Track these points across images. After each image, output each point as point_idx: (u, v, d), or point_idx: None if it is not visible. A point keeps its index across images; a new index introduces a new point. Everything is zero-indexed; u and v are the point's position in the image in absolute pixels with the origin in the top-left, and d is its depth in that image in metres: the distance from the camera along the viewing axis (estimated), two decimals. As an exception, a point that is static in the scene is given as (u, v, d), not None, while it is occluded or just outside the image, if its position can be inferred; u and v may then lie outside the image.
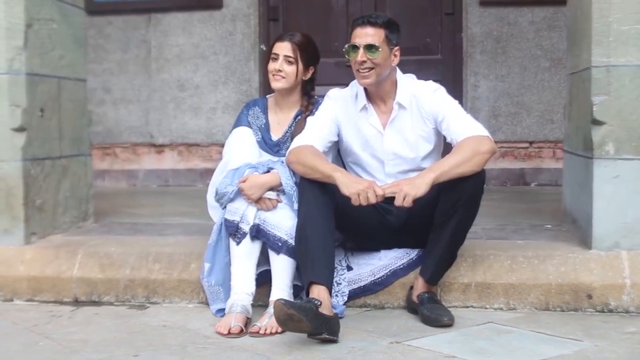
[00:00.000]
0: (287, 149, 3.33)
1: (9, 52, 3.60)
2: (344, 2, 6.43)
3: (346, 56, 3.18)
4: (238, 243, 3.19)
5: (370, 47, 3.11)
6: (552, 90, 6.05)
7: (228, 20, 6.44)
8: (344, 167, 3.37)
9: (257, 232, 3.17)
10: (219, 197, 3.29)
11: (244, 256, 3.20)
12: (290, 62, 3.40)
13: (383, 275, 3.29)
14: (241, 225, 3.19)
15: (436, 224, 3.08)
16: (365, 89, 3.27)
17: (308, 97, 3.52)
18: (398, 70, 3.28)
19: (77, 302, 3.47)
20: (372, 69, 3.13)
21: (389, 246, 3.37)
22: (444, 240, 3.08)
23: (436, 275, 3.18)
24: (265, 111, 3.56)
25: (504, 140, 6.14)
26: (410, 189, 2.87)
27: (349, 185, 2.95)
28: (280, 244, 3.14)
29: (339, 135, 3.32)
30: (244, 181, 3.22)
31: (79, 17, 4.15)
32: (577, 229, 3.63)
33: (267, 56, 3.50)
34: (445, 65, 6.35)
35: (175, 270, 3.46)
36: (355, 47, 3.13)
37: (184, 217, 4.53)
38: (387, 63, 3.17)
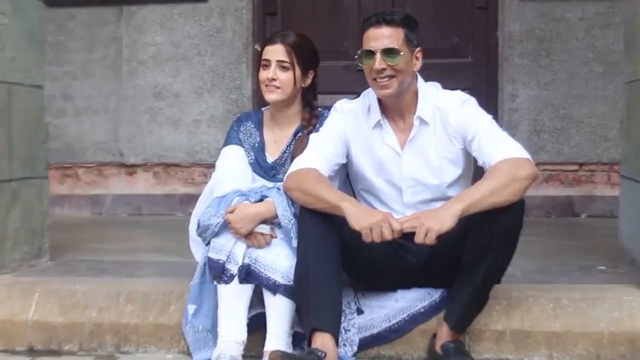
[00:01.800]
0: (285, 172, 3.33)
1: (-54, 52, 3.64)
2: (355, -5, 6.52)
3: (359, 64, 3.20)
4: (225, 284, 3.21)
5: (389, 52, 3.12)
6: (607, 101, 6.12)
7: (216, 14, 6.54)
8: (354, 195, 3.39)
9: (247, 275, 3.18)
10: (201, 231, 3.29)
11: (233, 298, 3.20)
12: (285, 68, 3.43)
13: (400, 321, 3.30)
14: (228, 266, 3.19)
15: (465, 264, 3.08)
16: (379, 101, 3.28)
17: (310, 108, 3.54)
18: (419, 78, 3.30)
19: (32, 352, 3.49)
20: (392, 76, 3.15)
21: (407, 286, 3.38)
22: (474, 283, 3.06)
23: (464, 321, 3.18)
24: (259, 127, 3.59)
25: (547, 162, 6.21)
26: (434, 223, 2.82)
27: (359, 217, 2.92)
28: (276, 284, 3.15)
29: (347, 156, 3.34)
30: (232, 211, 3.22)
31: (35, 10, 4.15)
32: (636, 269, 3.68)
33: (258, 61, 3.54)
34: (477, 71, 6.45)
35: (151, 312, 3.49)
36: (370, 53, 3.14)
37: (160, 253, 4.57)
38: (409, 68, 3.19)
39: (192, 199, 6.20)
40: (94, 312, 3.52)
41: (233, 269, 3.18)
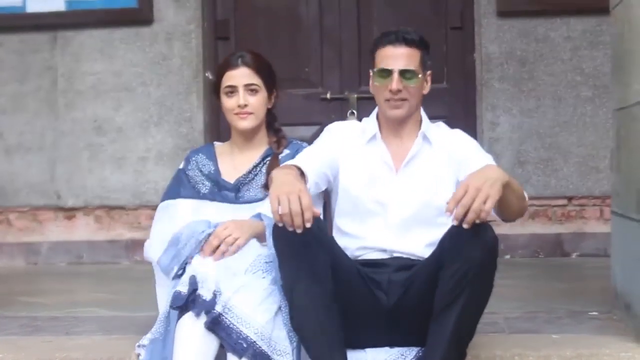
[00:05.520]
0: (248, 188, 3.47)
1: None
2: (316, 14, 6.49)
3: (373, 82, 3.30)
4: (197, 315, 3.10)
5: (406, 73, 3.24)
6: (597, 129, 6.12)
7: (161, 39, 6.51)
8: (330, 228, 3.41)
9: (214, 324, 3.09)
10: (181, 246, 3.28)
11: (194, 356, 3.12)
12: (254, 92, 3.49)
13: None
14: (200, 292, 3.12)
15: (437, 310, 3.01)
16: (377, 118, 3.41)
17: (274, 131, 3.61)
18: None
19: None
20: (405, 99, 3.27)
21: (379, 342, 3.31)
22: (447, 331, 2.98)
23: None
24: (212, 158, 3.63)
25: (534, 197, 6.12)
26: (490, 187, 2.82)
27: (275, 185, 2.95)
28: (245, 345, 3.09)
29: (334, 179, 3.35)
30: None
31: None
32: (631, 317, 3.64)
33: (214, 89, 3.57)
34: (454, 97, 6.44)
35: (88, 382, 3.43)
36: (386, 72, 3.24)
37: (102, 306, 4.49)
38: (421, 92, 3.34)
39: (138, 245, 6.13)
40: (23, 384, 3.45)
41: (206, 294, 3.11)
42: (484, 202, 2.79)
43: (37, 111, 6.61)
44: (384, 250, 3.32)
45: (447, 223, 3.11)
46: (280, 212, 2.86)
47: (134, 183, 6.52)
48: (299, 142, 3.61)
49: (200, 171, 3.60)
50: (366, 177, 3.34)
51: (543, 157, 6.24)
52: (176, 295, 3.15)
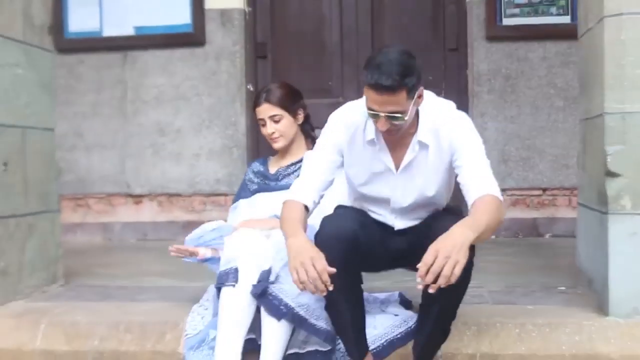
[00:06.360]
0: (289, 179, 3.52)
1: (-32, 101, 3.61)
2: (338, 39, 6.46)
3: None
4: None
5: (393, 115, 2.81)
6: (567, 133, 6.06)
7: (212, 58, 6.47)
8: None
9: (262, 295, 3.10)
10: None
11: (234, 323, 3.14)
12: (277, 121, 3.56)
13: (379, 346, 3.21)
14: (250, 266, 3.17)
15: (422, 302, 2.98)
16: None
17: (311, 138, 3.67)
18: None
19: (40, 378, 3.43)
20: (398, 130, 2.88)
21: (389, 266, 3.28)
22: (432, 319, 2.95)
23: (427, 352, 3.12)
24: (264, 163, 3.75)
25: (515, 188, 6.16)
26: (456, 252, 2.53)
27: (290, 258, 2.75)
28: (285, 310, 3.09)
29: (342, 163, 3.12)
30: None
31: (47, 60, 4.15)
32: (593, 291, 3.61)
33: (252, 105, 3.65)
34: (450, 106, 6.36)
35: (148, 341, 3.42)
36: (374, 113, 2.82)
37: (162, 277, 4.49)
38: (413, 113, 2.88)
39: (192, 225, 6.10)
40: (96, 341, 3.45)
41: (261, 266, 3.17)
42: (453, 268, 2.52)
43: (111, 116, 6.60)
44: (391, 226, 3.16)
45: (440, 203, 3.12)
46: (300, 281, 2.69)
47: (189, 175, 6.51)
48: None
49: (253, 172, 3.73)
50: (368, 174, 3.07)
51: (522, 156, 6.19)
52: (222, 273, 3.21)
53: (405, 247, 3.10)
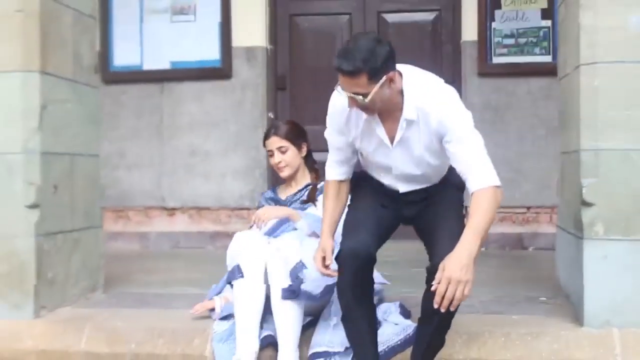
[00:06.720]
0: (295, 203, 3.60)
1: (25, 133, 3.61)
2: (349, 72, 6.43)
3: None
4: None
5: (357, 96, 2.73)
6: (548, 158, 6.00)
7: (238, 89, 6.48)
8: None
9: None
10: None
11: (247, 310, 3.25)
12: (284, 152, 3.59)
13: (381, 352, 3.20)
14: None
15: (422, 315, 2.99)
16: None
17: (314, 171, 3.69)
18: (405, 75, 2.86)
19: (84, 376, 3.44)
20: (366, 108, 2.80)
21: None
22: (434, 325, 2.94)
23: (428, 358, 3.09)
24: (274, 190, 3.79)
25: (502, 206, 5.93)
26: (465, 274, 2.58)
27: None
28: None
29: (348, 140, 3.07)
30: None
31: (93, 96, 4.17)
32: (570, 304, 3.60)
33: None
34: (446, 133, 6.34)
35: (178, 345, 3.42)
36: (343, 92, 2.77)
37: (193, 286, 4.43)
38: (384, 96, 2.77)
39: (219, 236, 6.30)
40: (133, 344, 3.46)
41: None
42: (463, 290, 2.59)
43: (149, 139, 6.61)
44: (397, 190, 3.09)
45: (441, 166, 3.02)
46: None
47: (217, 191, 6.51)
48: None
49: (265, 199, 3.76)
50: (371, 147, 2.98)
51: (509, 178, 6.10)
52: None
53: (411, 216, 3.13)
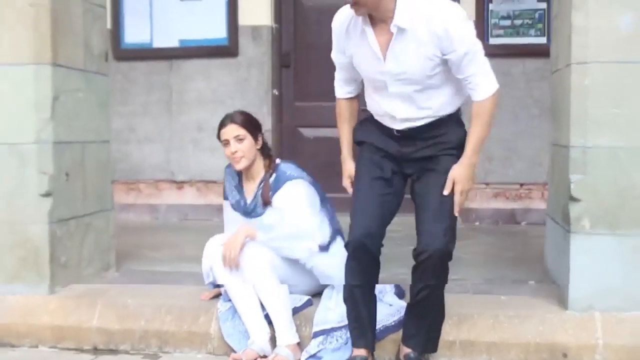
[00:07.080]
0: (256, 214, 3.45)
1: (38, 123, 3.63)
2: (351, 52, 6.41)
3: None
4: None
5: None
6: (541, 137, 5.96)
7: (243, 67, 6.47)
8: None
9: None
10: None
11: (241, 298, 3.30)
12: (241, 140, 3.40)
13: (376, 330, 3.24)
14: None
15: (411, 300, 3.09)
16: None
17: (269, 157, 3.51)
18: None
19: (96, 350, 3.51)
20: (358, 3, 2.77)
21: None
22: (423, 297, 3.04)
23: (427, 348, 3.18)
24: (240, 181, 3.59)
25: (497, 182, 6.18)
26: (471, 183, 2.96)
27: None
28: None
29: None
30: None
31: (103, 84, 4.16)
32: (556, 288, 3.65)
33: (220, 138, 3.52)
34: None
35: (185, 322, 3.49)
36: None
37: (200, 263, 4.44)
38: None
39: (225, 208, 6.30)
40: (143, 321, 3.53)
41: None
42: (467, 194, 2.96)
43: (158, 115, 6.62)
44: (394, 117, 3.02)
45: (436, 84, 2.91)
46: None
47: (223, 165, 6.35)
48: (285, 166, 3.49)
49: (230, 186, 3.63)
50: (366, 62, 2.95)
51: (504, 156, 6.19)
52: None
53: (411, 173, 3.12)
